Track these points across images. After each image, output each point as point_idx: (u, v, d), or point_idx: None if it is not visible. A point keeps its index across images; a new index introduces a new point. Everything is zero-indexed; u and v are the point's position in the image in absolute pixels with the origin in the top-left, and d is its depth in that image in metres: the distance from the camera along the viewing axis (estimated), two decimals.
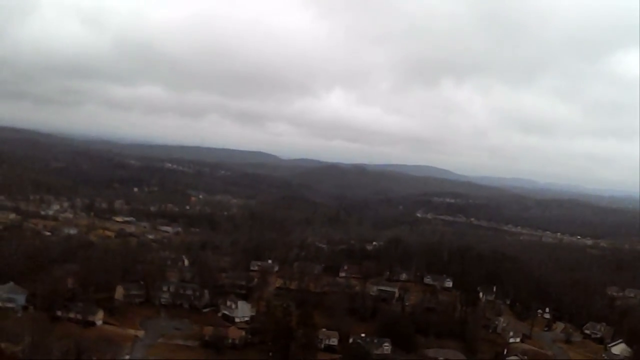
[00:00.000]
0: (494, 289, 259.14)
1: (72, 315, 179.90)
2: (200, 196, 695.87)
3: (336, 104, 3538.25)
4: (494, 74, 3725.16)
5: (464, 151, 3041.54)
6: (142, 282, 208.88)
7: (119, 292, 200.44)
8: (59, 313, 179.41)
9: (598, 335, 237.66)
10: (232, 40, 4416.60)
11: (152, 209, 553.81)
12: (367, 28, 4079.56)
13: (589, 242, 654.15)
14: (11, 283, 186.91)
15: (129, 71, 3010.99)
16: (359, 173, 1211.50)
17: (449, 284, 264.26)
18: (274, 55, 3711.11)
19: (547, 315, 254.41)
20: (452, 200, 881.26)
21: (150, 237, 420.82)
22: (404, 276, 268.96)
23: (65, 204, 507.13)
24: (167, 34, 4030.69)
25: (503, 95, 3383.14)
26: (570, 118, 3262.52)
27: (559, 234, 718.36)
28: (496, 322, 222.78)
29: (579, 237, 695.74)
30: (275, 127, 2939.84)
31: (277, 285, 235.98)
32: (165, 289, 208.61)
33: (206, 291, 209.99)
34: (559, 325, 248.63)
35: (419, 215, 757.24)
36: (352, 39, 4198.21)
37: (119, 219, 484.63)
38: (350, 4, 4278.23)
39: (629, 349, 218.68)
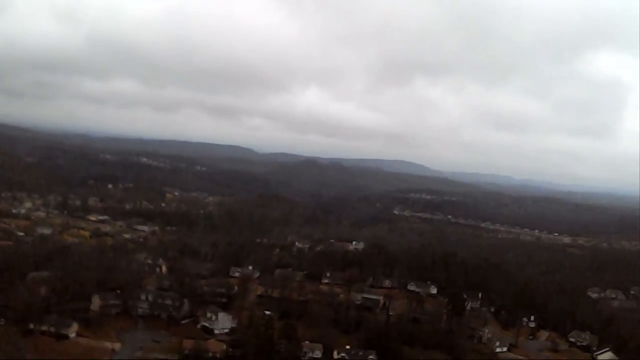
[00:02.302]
0: (479, 296, 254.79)
1: (45, 328, 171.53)
2: (176, 193, 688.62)
3: (311, 100, 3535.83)
4: (466, 74, 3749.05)
5: (439, 147, 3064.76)
6: (118, 292, 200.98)
7: (95, 303, 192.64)
8: (31, 326, 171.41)
9: (584, 343, 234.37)
10: (207, 36, 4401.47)
11: (127, 206, 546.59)
12: (339, 28, 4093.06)
13: (567, 239, 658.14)
14: None
15: (103, 65, 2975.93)
16: (336, 169, 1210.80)
17: (433, 290, 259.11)
18: (249, 52, 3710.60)
19: (531, 324, 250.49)
20: (429, 197, 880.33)
21: (127, 236, 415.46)
22: (387, 283, 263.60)
23: (38, 202, 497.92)
24: (142, 28, 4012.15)
25: (476, 94, 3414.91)
26: (543, 116, 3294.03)
27: (536, 231, 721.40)
28: (481, 332, 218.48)
29: (556, 234, 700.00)
30: (251, 121, 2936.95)
31: (259, 294, 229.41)
32: (143, 298, 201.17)
33: (185, 301, 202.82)
34: (544, 334, 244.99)
35: (396, 212, 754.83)
36: (325, 38, 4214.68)
37: (93, 217, 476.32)
38: (322, 5, 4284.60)
39: (616, 357, 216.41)
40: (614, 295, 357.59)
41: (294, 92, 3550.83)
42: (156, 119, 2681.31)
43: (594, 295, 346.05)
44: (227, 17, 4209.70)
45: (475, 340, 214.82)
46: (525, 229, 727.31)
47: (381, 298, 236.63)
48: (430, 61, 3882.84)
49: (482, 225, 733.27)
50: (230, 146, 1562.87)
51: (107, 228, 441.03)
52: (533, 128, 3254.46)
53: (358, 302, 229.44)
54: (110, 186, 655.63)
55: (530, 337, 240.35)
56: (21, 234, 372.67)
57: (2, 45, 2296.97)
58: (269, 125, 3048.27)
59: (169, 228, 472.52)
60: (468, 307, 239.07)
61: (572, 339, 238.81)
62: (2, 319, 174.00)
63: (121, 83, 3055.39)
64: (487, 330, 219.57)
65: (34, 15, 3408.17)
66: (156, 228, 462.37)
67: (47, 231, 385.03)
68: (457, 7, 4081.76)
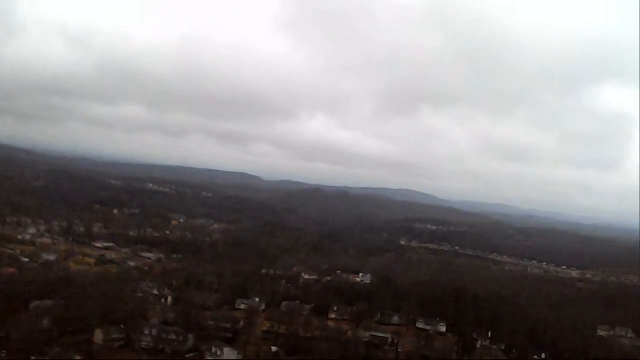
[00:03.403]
0: (489, 334, 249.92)
1: None
2: (182, 220, 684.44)
3: (318, 127, 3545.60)
4: (472, 105, 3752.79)
5: (445, 176, 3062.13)
6: (122, 326, 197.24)
7: (99, 336, 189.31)
8: (33, 359, 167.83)
9: None
10: (215, 63, 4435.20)
11: (132, 233, 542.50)
12: (347, 57, 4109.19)
13: (575, 273, 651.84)
14: None
15: (112, 90, 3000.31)
16: (342, 197, 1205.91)
17: (442, 328, 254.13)
18: (256, 79, 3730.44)
19: None
20: (436, 227, 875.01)
21: (132, 264, 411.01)
22: (395, 319, 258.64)
23: (43, 228, 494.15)
24: (151, 55, 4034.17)
25: (482, 124, 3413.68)
26: (549, 148, 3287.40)
27: (544, 264, 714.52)
28: None
29: (564, 267, 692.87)
30: (258, 148, 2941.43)
31: (265, 329, 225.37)
32: (147, 332, 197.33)
33: (190, 335, 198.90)
34: None
35: (403, 243, 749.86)
36: (332, 67, 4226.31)
37: (99, 244, 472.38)
38: (330, 34, 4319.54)
39: None
40: (623, 333, 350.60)
41: (300, 119, 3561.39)
42: (163, 144, 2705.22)
43: (603, 333, 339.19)
44: (235, 44, 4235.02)
45: None
46: (533, 262, 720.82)
47: (390, 335, 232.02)
48: (436, 91, 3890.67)
49: (490, 257, 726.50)
50: (236, 173, 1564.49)
51: (112, 255, 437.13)
52: (539, 159, 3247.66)
53: (366, 340, 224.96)
54: (115, 212, 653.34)
55: None
56: (25, 260, 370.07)
57: (13, 68, 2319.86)
58: (275, 153, 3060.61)
59: (174, 256, 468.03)
60: (478, 345, 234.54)
61: None
62: (4, 351, 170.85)
63: (129, 108, 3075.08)
64: None
65: (45, 40, 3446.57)
66: (161, 256, 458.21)
67: (51, 258, 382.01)
68: (463, 39, 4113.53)
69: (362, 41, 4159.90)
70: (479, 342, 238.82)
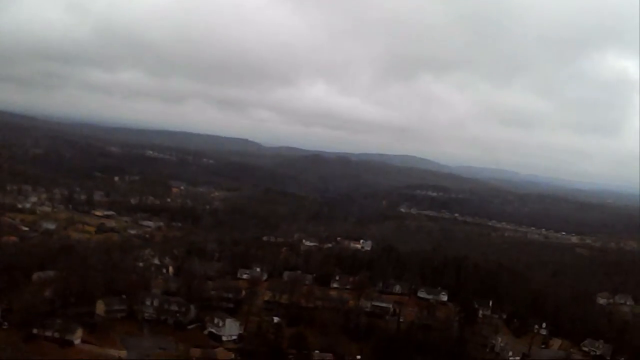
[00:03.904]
0: (490, 303, 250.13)
1: (49, 333, 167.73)
2: (182, 187, 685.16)
3: (318, 93, 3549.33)
4: (472, 71, 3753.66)
5: (445, 142, 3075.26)
6: (124, 297, 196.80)
7: (100, 307, 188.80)
8: (35, 331, 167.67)
9: (597, 353, 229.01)
10: (214, 28, 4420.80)
11: (133, 201, 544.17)
12: (346, 22, 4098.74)
13: (575, 239, 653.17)
14: None
15: (111, 56, 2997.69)
16: (342, 163, 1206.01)
17: (444, 297, 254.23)
18: (256, 44, 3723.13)
19: (543, 331, 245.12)
20: (436, 194, 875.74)
21: (132, 232, 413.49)
22: (397, 288, 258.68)
23: (44, 196, 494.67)
24: (149, 20, 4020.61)
25: (482, 90, 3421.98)
26: (549, 114, 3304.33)
27: (543, 230, 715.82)
28: (494, 341, 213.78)
29: (563, 233, 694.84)
30: (257, 113, 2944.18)
31: (266, 299, 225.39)
32: (148, 303, 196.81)
33: (192, 306, 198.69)
34: (556, 342, 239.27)
35: (403, 210, 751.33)
36: (332, 32, 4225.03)
37: (99, 212, 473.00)
38: (331, 1, 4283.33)
39: None
40: (623, 301, 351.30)
41: (300, 85, 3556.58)
42: (163, 110, 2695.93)
43: (603, 301, 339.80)
44: (234, 9, 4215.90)
45: (488, 350, 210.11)
46: (532, 228, 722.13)
47: (391, 305, 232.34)
48: (436, 57, 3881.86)
49: (489, 223, 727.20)
50: (236, 139, 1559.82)
51: (112, 223, 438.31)
52: (539, 125, 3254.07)
53: (368, 309, 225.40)
54: (116, 179, 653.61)
55: (543, 345, 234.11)
56: (26, 229, 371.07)
57: (10, 35, 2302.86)
58: (275, 118, 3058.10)
59: (174, 224, 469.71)
60: (480, 315, 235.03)
61: (585, 348, 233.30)
62: (5, 323, 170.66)
63: (128, 74, 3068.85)
64: (499, 339, 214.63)
65: (41, 5, 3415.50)
66: (162, 224, 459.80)
67: (51, 226, 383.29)
68: (464, 5, 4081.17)
69: (362, 7, 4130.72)
70: (480, 312, 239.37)
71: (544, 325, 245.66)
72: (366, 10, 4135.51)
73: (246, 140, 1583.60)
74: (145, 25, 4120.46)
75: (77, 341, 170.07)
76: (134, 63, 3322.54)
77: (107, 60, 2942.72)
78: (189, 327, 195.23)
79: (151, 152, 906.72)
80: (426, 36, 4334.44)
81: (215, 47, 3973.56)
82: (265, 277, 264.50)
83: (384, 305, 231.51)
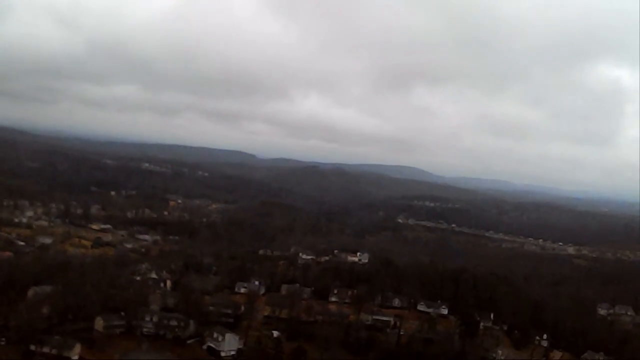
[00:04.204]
0: (491, 315, 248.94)
1: (47, 350, 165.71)
2: (179, 200, 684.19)
3: (312, 105, 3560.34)
4: (465, 82, 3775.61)
5: (440, 153, 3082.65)
6: (122, 313, 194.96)
7: (99, 323, 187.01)
8: (32, 347, 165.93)
9: None
10: (208, 41, 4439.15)
11: (130, 215, 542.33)
12: (339, 35, 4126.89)
13: (571, 249, 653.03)
14: None
15: (105, 70, 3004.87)
16: (338, 174, 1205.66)
17: (444, 310, 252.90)
18: (250, 57, 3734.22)
19: (544, 343, 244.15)
20: (432, 204, 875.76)
21: (129, 246, 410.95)
22: (396, 302, 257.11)
23: (40, 211, 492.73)
24: (142, 33, 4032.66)
25: (475, 101, 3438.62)
26: (542, 124, 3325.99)
27: (540, 240, 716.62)
28: (495, 354, 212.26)
29: (560, 243, 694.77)
30: (252, 126, 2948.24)
31: (266, 313, 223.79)
32: (147, 318, 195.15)
33: (191, 321, 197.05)
34: (557, 354, 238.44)
35: (400, 221, 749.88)
36: (325, 44, 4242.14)
37: (95, 226, 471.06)
38: (322, 12, 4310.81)
39: None
40: (623, 311, 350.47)
41: (294, 97, 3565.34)
42: (157, 123, 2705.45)
43: (603, 312, 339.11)
44: (227, 23, 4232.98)
45: None
46: (530, 238, 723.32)
47: (392, 319, 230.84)
48: (430, 69, 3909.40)
49: (487, 234, 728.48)
50: (231, 151, 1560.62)
51: (109, 237, 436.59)
52: (532, 135, 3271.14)
53: (368, 323, 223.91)
54: (112, 193, 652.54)
55: (544, 358, 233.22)
56: (22, 243, 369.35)
57: (3, 50, 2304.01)
58: (270, 131, 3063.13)
59: (171, 237, 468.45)
60: (480, 327, 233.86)
61: None
62: (3, 339, 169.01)
63: (122, 88, 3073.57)
64: (500, 352, 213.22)
65: (34, 20, 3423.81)
66: (158, 237, 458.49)
67: (48, 241, 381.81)
68: (457, 16, 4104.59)
69: (355, 20, 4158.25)
70: (481, 324, 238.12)
71: (544, 337, 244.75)
72: (359, 22, 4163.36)
73: (240, 152, 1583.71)
74: (139, 39, 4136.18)
75: (75, 357, 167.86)
76: (128, 77, 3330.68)
77: (100, 74, 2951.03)
78: (188, 342, 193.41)
79: (147, 165, 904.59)
80: (420, 48, 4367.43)
81: (208, 61, 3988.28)
82: (263, 291, 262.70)
83: (384, 318, 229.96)
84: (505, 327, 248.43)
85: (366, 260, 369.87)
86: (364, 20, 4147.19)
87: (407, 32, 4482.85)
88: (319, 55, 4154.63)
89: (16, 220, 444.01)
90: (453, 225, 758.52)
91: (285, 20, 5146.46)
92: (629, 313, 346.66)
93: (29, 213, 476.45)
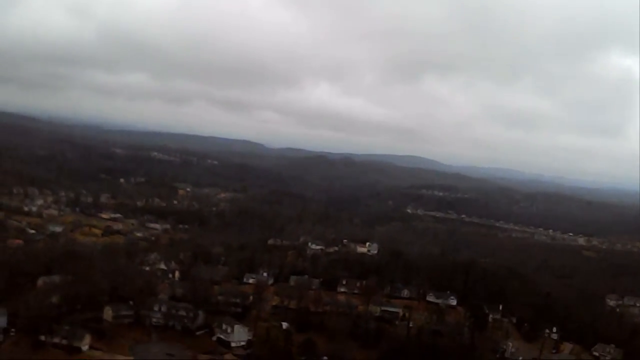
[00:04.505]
0: (500, 307, 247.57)
1: (56, 340, 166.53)
2: (188, 189, 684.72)
3: (321, 95, 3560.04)
4: (475, 72, 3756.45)
5: (449, 142, 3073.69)
6: (131, 303, 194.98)
7: (108, 313, 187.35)
8: (42, 338, 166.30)
9: (608, 358, 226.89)
10: (218, 30, 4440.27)
11: (139, 204, 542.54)
12: (349, 25, 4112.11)
13: (581, 240, 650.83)
14: None
15: (115, 58, 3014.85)
16: (347, 164, 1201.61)
17: (453, 301, 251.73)
18: (260, 46, 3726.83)
19: (554, 335, 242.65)
20: (442, 194, 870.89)
21: (138, 235, 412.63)
22: (405, 292, 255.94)
23: (50, 199, 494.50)
24: (153, 22, 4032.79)
25: (485, 91, 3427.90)
26: (553, 114, 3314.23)
27: (550, 230, 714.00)
28: (505, 346, 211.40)
29: (570, 234, 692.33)
30: (261, 115, 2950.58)
31: (274, 304, 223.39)
32: (156, 308, 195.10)
33: (200, 312, 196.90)
34: (567, 347, 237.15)
35: (409, 210, 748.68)
36: (335, 34, 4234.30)
37: (105, 215, 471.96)
38: (332, 2, 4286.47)
39: None
40: (632, 303, 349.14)
41: (304, 87, 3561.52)
42: (166, 111, 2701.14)
43: (612, 303, 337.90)
44: (238, 11, 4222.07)
45: (498, 355, 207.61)
46: (539, 229, 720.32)
47: (400, 310, 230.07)
48: (439, 59, 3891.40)
49: (497, 224, 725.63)
50: (240, 140, 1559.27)
51: (119, 226, 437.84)
52: (543, 125, 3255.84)
53: (377, 314, 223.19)
54: (122, 181, 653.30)
55: (554, 350, 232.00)
56: (32, 231, 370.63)
57: (15, 37, 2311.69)
58: (278, 120, 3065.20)
59: (181, 226, 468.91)
60: (490, 319, 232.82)
61: (596, 353, 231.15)
62: (13, 329, 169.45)
63: (132, 75, 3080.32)
64: (510, 344, 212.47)
65: (46, 7, 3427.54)
66: (168, 226, 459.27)
67: (58, 229, 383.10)
68: (467, 5, 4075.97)
69: (365, 8, 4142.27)
70: (490, 316, 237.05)
71: (554, 329, 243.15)
72: (369, 11, 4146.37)
73: (249, 142, 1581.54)
74: (149, 27, 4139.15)
75: (85, 348, 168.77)
76: (138, 65, 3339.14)
77: (111, 62, 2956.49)
78: (198, 333, 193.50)
79: (156, 153, 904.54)
80: (430, 37, 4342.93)
81: (218, 49, 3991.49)
82: (271, 281, 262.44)
83: (393, 310, 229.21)
84: (514, 320, 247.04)
85: (375, 251, 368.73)
86: (374, 9, 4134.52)
87: (417, 21, 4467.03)
88: (329, 44, 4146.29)
89: (26, 208, 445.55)
90: (463, 215, 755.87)
91: (296, 8, 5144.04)
92: (638, 304, 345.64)
93: (39, 201, 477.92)
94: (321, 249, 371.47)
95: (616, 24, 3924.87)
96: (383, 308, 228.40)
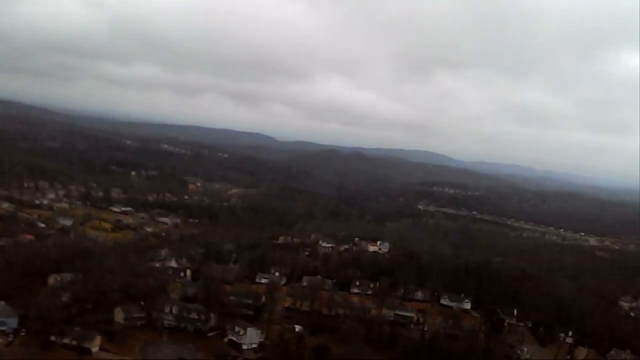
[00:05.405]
0: (515, 311, 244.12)
1: (67, 340, 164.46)
2: (199, 183, 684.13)
3: (332, 88, 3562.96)
4: (488, 68, 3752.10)
5: (461, 138, 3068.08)
6: (142, 303, 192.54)
7: (119, 314, 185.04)
8: (53, 338, 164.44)
9: None
10: (230, 23, 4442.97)
11: (150, 198, 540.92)
12: (361, 20, 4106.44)
13: (593, 240, 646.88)
14: (2, 303, 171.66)
15: (127, 50, 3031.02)
16: (358, 158, 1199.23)
17: (467, 305, 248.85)
18: (271, 40, 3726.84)
19: (569, 339, 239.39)
20: (453, 191, 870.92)
21: (149, 229, 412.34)
22: (419, 295, 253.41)
23: (61, 192, 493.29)
24: (165, 15, 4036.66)
25: (498, 88, 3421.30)
26: (565, 112, 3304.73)
27: (562, 230, 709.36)
28: (520, 351, 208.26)
29: (582, 233, 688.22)
30: (272, 108, 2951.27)
31: (287, 305, 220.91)
32: (168, 310, 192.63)
33: (212, 314, 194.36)
34: (582, 351, 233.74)
35: (420, 207, 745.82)
36: (347, 29, 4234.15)
37: (116, 209, 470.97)
38: None
39: None
40: None
41: (315, 80, 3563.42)
42: (178, 103, 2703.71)
43: (626, 305, 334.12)
44: (250, 4, 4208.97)
45: None
46: (551, 228, 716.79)
47: (415, 314, 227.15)
48: (452, 54, 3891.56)
49: (508, 222, 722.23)
50: (251, 133, 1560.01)
51: (129, 220, 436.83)
52: (554, 122, 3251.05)
53: (391, 318, 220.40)
54: (133, 174, 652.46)
55: (568, 356, 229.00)
56: (43, 225, 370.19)
57: (27, 28, 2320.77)
58: (290, 113, 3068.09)
59: (191, 221, 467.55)
60: (505, 324, 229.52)
61: (611, 359, 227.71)
62: (23, 330, 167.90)
63: (143, 67, 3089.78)
64: (525, 349, 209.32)
65: (59, 0, 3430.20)
66: (178, 220, 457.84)
67: (68, 223, 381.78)
68: (479, 4, 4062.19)
69: (378, 4, 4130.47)
70: (506, 320, 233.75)
71: (569, 333, 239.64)
72: (382, 6, 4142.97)
73: (260, 135, 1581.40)
74: (161, 19, 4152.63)
75: (95, 349, 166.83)
76: (150, 57, 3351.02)
77: (123, 53, 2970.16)
78: (209, 334, 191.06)
79: (167, 146, 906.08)
80: (442, 33, 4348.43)
81: (230, 42, 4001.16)
82: (284, 281, 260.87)
83: (407, 314, 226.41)
84: (529, 324, 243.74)
85: (387, 250, 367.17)
86: (387, 4, 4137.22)
87: (430, 17, 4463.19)
88: (341, 38, 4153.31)
89: (37, 202, 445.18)
90: (474, 212, 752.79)
91: (308, 3, 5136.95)
92: None
93: (50, 195, 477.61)
94: (332, 247, 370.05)
95: (628, 23, 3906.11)
96: (397, 312, 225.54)
